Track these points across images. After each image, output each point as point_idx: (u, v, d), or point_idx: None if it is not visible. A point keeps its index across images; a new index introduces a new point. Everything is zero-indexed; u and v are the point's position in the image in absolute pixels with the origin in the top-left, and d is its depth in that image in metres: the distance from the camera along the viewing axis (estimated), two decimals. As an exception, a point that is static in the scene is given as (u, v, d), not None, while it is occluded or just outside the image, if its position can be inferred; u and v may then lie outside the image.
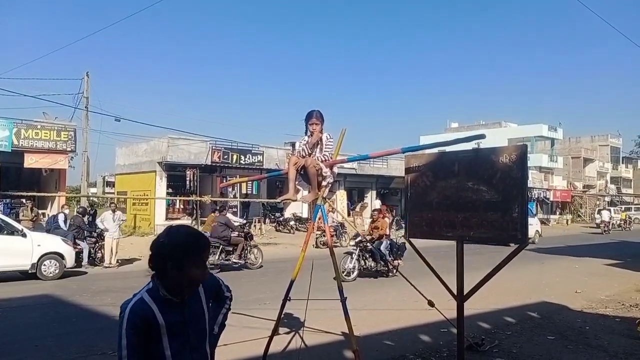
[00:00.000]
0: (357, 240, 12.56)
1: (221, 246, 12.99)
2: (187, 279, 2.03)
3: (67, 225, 14.03)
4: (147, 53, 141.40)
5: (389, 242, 12.53)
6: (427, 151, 7.21)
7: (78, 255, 13.06)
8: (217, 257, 12.83)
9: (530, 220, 23.02)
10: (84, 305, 8.79)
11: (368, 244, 12.11)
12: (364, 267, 12.19)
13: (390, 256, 12.30)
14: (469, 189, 4.09)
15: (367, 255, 12.20)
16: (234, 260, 13.22)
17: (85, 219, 14.74)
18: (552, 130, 53.30)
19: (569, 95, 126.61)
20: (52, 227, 13.85)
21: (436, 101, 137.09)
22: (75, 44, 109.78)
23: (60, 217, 14.10)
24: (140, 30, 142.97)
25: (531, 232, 22.56)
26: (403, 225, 9.61)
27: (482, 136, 4.14)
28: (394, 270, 11.52)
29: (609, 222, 34.94)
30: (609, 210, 38.78)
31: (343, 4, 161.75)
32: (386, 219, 13.26)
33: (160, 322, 2.00)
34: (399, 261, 12.37)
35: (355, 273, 11.88)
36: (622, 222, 39.52)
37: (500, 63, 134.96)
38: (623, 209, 46.38)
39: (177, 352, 2.04)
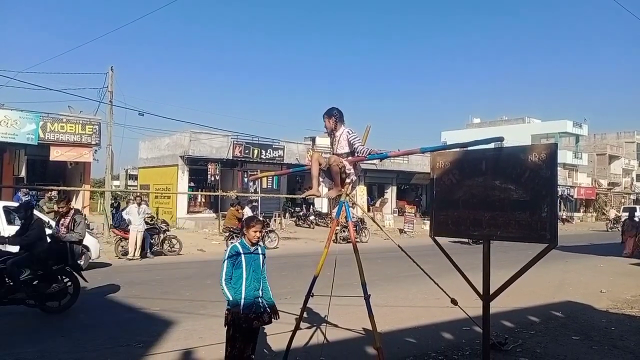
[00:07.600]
0: None
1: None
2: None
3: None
4: (171, 49, 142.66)
5: None
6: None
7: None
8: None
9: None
10: (109, 297, 8.94)
11: None
12: None
13: None
14: (497, 188, 4.02)
15: None
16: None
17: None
18: (577, 126, 52.38)
19: (595, 91, 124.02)
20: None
21: (458, 96, 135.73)
22: (100, 38, 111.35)
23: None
24: (163, 26, 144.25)
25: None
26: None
27: (500, 139, 4.08)
28: None
29: None
30: None
31: (366, 3, 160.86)
32: None
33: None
34: None
35: None
36: None
37: (524, 58, 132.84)
38: None
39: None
